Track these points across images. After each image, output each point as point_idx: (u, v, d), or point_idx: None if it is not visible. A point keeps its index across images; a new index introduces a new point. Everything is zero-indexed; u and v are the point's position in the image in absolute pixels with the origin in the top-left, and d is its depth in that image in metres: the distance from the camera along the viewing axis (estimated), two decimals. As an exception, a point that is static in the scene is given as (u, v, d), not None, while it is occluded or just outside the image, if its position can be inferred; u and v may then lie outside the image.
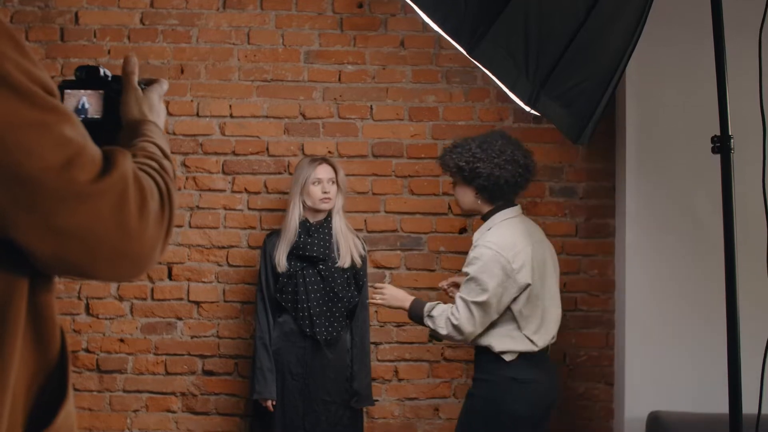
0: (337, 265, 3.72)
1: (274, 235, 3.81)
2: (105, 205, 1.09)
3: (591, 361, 4.22)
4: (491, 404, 3.20)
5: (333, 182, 3.73)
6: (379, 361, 4.16)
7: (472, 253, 3.23)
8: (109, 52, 4.28)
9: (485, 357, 3.25)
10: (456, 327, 3.16)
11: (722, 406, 2.25)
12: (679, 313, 3.92)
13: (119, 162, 1.12)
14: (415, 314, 3.32)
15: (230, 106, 4.29)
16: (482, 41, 2.85)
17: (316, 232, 3.72)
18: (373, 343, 4.00)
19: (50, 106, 1.06)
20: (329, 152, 4.22)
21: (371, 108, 4.30)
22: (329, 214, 3.76)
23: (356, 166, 4.18)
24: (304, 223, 3.72)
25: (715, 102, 2.26)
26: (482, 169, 3.22)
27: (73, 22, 4.30)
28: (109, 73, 1.43)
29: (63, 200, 1.05)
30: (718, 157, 2.22)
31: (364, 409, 3.93)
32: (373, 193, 4.26)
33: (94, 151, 1.11)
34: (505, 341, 3.20)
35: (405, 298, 3.38)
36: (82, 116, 1.37)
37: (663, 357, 3.92)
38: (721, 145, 2.21)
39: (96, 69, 1.41)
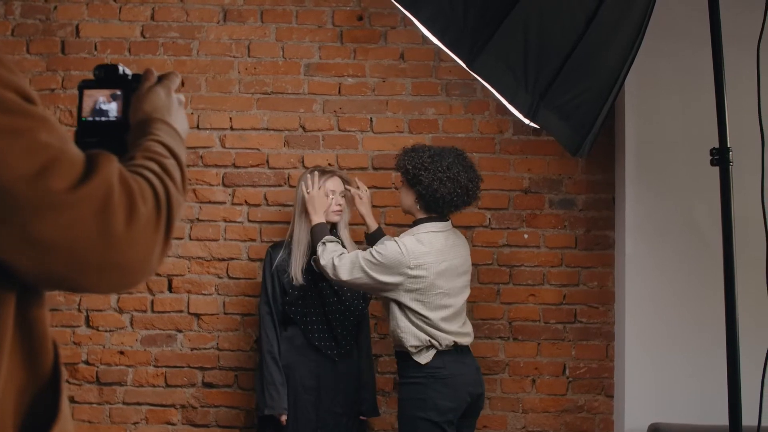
0: None
1: (279, 247, 3.78)
2: (86, 213, 1.02)
3: (591, 373, 4.21)
4: (418, 403, 3.37)
5: (342, 195, 3.73)
6: (379, 373, 4.16)
7: (386, 240, 3.49)
8: (109, 64, 4.28)
9: (404, 363, 3.46)
10: (335, 266, 3.36)
11: (723, 418, 2.25)
12: (679, 325, 3.92)
13: (101, 166, 1.05)
14: (316, 233, 3.53)
15: (230, 118, 4.30)
16: (481, 54, 2.87)
17: None
18: (373, 355, 3.99)
19: (22, 111, 1.00)
20: (329, 164, 4.23)
21: (371, 120, 4.31)
22: (334, 226, 3.76)
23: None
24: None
25: (714, 113, 2.27)
26: (424, 178, 3.40)
27: (74, 35, 4.31)
28: (129, 72, 1.38)
29: (38, 211, 0.99)
30: (717, 168, 2.23)
31: (366, 421, 3.92)
32: (374, 206, 4.25)
33: (75, 156, 1.04)
34: (410, 339, 3.38)
35: (318, 213, 3.58)
36: (101, 117, 1.33)
37: (663, 369, 3.91)
38: (720, 157, 2.23)
39: (115, 67, 1.36)
